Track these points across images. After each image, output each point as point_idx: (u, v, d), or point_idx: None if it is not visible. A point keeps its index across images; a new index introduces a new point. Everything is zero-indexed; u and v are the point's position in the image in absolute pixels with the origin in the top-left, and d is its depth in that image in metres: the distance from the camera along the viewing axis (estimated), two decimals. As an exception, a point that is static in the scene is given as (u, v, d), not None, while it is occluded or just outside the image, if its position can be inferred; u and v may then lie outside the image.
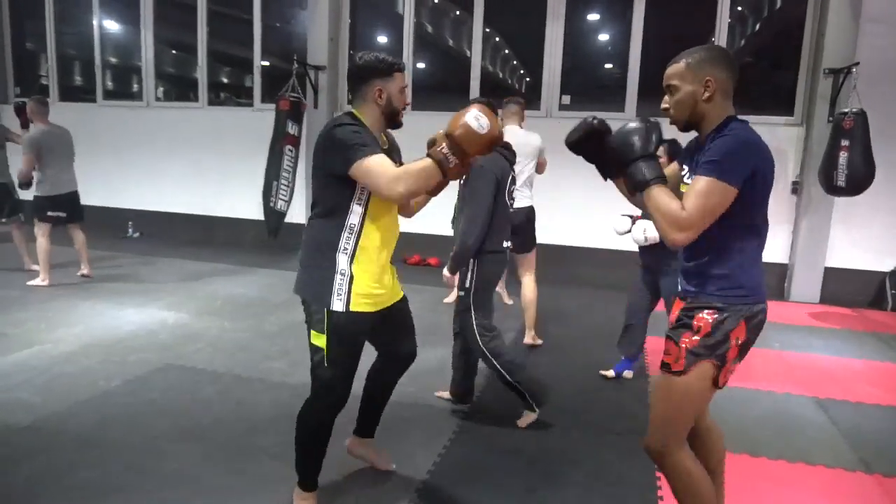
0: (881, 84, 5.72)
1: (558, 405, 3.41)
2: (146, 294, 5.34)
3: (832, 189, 5.38)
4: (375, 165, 1.94)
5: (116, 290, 5.42)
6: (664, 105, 1.85)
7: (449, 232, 5.72)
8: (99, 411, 3.06)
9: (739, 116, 1.79)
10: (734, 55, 1.85)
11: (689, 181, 1.83)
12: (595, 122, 1.96)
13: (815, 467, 2.80)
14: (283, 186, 6.86)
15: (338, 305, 2.07)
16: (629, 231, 3.74)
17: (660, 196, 1.72)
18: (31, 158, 5.28)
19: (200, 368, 3.70)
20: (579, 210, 6.76)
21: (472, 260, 3.08)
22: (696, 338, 1.77)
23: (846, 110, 5.30)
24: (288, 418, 3.01)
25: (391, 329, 2.36)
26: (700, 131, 1.85)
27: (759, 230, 1.80)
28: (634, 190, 1.79)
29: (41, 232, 5.41)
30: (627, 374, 3.90)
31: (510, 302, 5.60)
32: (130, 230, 8.28)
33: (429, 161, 1.91)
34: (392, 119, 2.16)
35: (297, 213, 7.28)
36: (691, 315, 1.80)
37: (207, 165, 7.99)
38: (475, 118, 1.87)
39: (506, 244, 3.24)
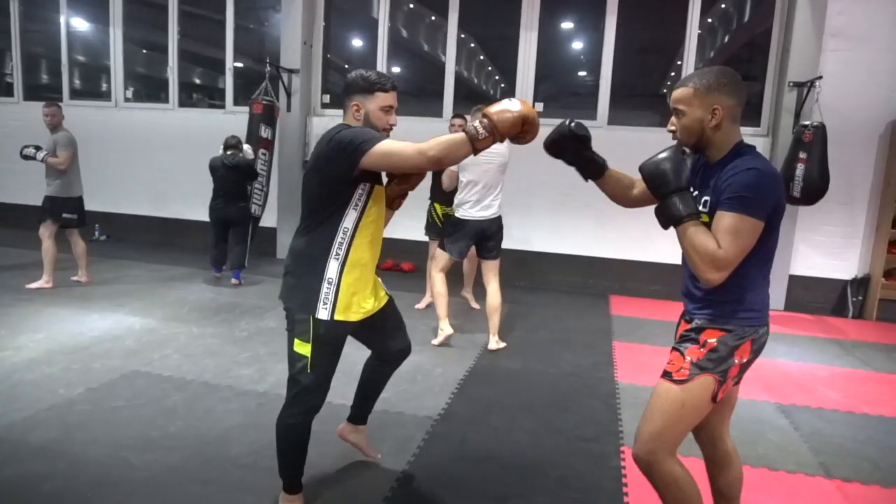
0: (842, 97, 5.90)
1: (528, 411, 3.44)
2: (112, 299, 5.24)
3: (788, 199, 5.55)
4: (393, 144, 1.99)
5: (81, 295, 5.30)
6: (671, 127, 1.85)
7: (422, 237, 5.75)
8: (62, 420, 2.99)
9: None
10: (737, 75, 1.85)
11: (703, 209, 1.81)
12: (572, 125, 2.02)
13: (777, 472, 2.87)
14: (256, 191, 6.80)
15: (322, 314, 2.12)
16: None
17: (696, 234, 1.71)
18: (71, 155, 5.34)
19: (168, 375, 3.64)
20: (548, 217, 6.83)
21: None
22: (701, 351, 1.78)
23: (807, 123, 5.45)
24: (257, 427, 3.01)
25: (380, 330, 2.46)
26: (708, 156, 1.86)
27: (769, 254, 1.82)
28: (667, 224, 1.79)
29: (47, 233, 5.39)
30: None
31: (477, 306, 5.61)
32: (97, 233, 8.11)
33: (461, 135, 1.94)
34: None
35: (270, 217, 7.21)
36: (697, 332, 1.81)
37: (177, 168, 7.87)
38: (509, 101, 1.95)
39: None
